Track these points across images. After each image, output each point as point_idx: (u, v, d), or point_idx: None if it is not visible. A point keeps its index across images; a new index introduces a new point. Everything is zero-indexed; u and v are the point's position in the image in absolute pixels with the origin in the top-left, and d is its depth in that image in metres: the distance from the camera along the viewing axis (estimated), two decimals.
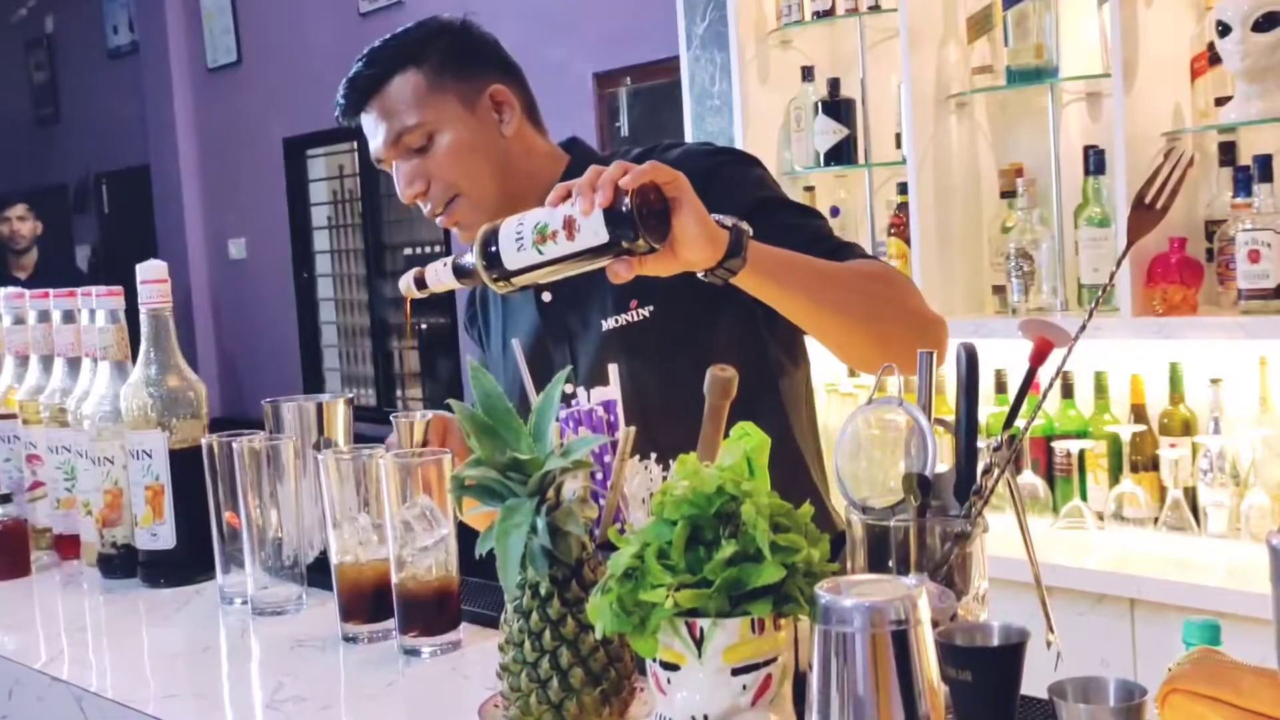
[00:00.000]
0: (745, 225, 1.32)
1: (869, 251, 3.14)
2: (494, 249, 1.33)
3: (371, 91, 1.65)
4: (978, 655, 0.90)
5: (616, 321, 1.61)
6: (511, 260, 1.32)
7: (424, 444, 1.56)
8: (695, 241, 1.26)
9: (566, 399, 1.61)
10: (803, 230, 1.56)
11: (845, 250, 1.56)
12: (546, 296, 1.70)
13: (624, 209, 1.22)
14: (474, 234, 1.66)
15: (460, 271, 1.41)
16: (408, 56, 1.64)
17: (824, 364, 3.15)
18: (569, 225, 1.26)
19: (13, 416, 1.94)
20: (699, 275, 1.31)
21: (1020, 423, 1.05)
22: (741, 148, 3.27)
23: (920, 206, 2.95)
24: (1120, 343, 2.70)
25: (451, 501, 1.29)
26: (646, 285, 1.59)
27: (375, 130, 1.65)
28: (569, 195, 1.27)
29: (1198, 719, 1.16)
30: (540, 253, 1.29)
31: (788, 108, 3.32)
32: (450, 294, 1.87)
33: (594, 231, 1.23)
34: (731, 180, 1.60)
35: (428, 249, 5.79)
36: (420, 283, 1.46)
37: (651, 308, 1.60)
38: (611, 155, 1.74)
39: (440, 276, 1.44)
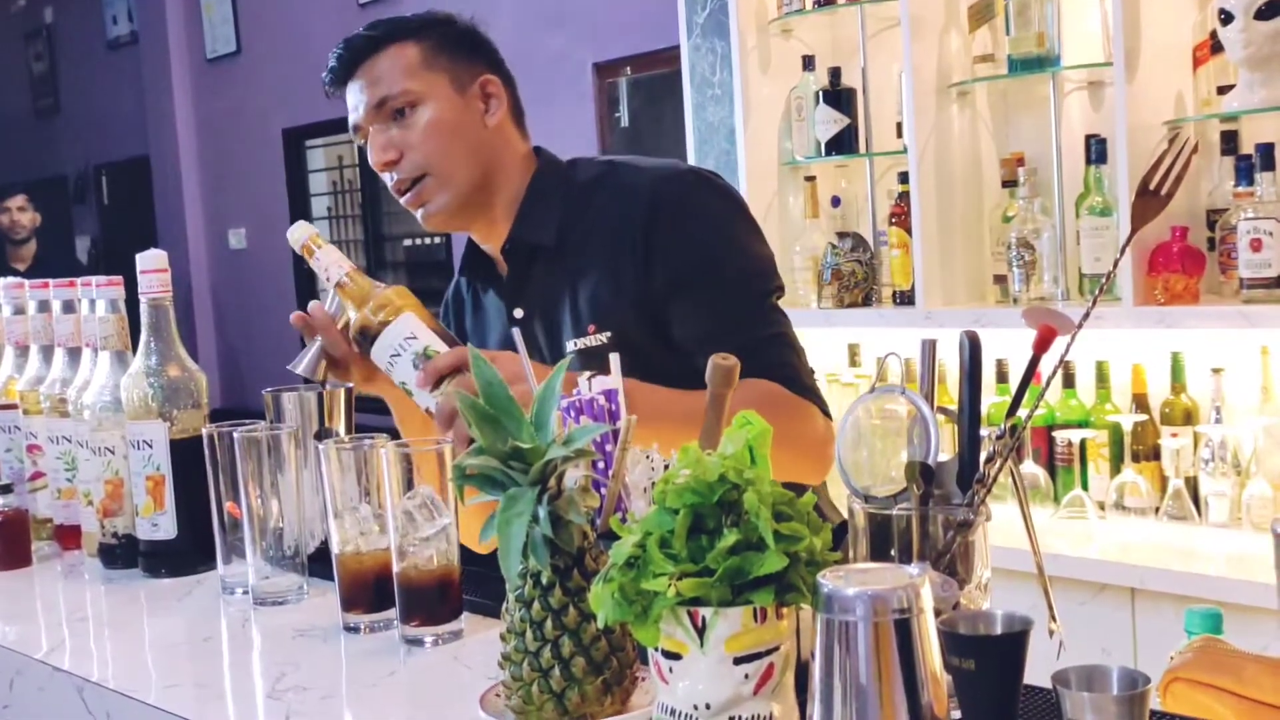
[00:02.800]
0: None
1: (873, 245, 3.16)
2: (366, 344, 1.49)
3: (366, 52, 1.65)
4: (981, 644, 0.89)
5: (576, 344, 1.64)
6: (378, 358, 1.47)
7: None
8: None
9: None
10: (722, 307, 1.59)
11: (756, 352, 1.50)
12: (519, 313, 1.72)
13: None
14: (438, 222, 1.69)
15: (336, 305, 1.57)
16: (408, 30, 1.65)
17: (825, 355, 3.16)
18: (427, 412, 1.42)
19: (13, 407, 1.94)
20: None
21: (1022, 412, 1.04)
22: (744, 139, 3.27)
23: (921, 196, 2.95)
24: (1122, 332, 2.70)
25: (452, 491, 1.29)
26: (603, 311, 1.62)
27: (359, 96, 1.65)
28: (438, 383, 1.41)
29: (1200, 707, 1.16)
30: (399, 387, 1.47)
31: (788, 97, 3.32)
32: (447, 274, 1.93)
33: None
34: (683, 220, 1.60)
35: (427, 240, 5.78)
36: (312, 255, 1.54)
37: (609, 334, 1.62)
38: (573, 164, 1.74)
39: (319, 273, 1.55)
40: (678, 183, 1.65)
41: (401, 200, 1.68)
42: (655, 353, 1.59)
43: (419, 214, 1.69)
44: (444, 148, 1.64)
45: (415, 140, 1.63)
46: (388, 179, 1.67)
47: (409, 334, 1.45)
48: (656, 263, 1.60)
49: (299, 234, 1.55)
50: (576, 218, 1.67)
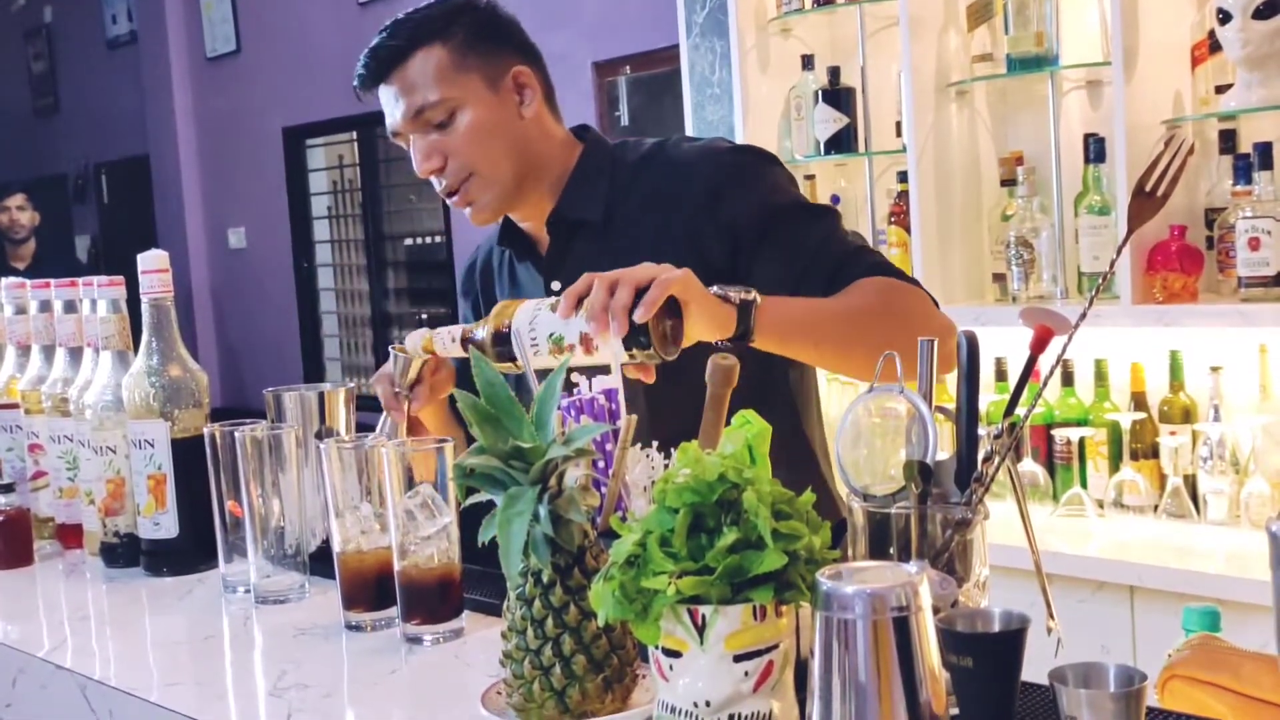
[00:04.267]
0: (753, 297, 1.35)
1: (872, 243, 3.16)
2: (507, 346, 1.39)
3: (394, 63, 1.64)
4: (979, 641, 0.90)
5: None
6: (524, 360, 1.38)
7: (416, 382, 1.58)
8: (706, 333, 1.35)
9: (569, 387, 1.62)
10: (810, 240, 1.59)
11: (852, 261, 1.57)
12: (556, 285, 1.71)
13: (638, 331, 1.27)
14: (484, 218, 1.68)
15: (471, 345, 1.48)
16: (434, 31, 1.64)
17: None
18: (586, 342, 1.32)
19: (15, 406, 1.95)
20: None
21: (1020, 410, 1.05)
22: (743, 138, 3.28)
23: (920, 195, 2.96)
24: (1120, 330, 2.71)
25: (453, 490, 1.29)
26: None
27: (395, 104, 1.65)
28: (579, 304, 1.31)
29: (1197, 704, 1.17)
30: (556, 360, 1.34)
31: (788, 96, 3.32)
32: (448, 273, 1.91)
33: (612, 351, 1.29)
34: (748, 184, 1.62)
35: (428, 239, 5.78)
36: (433, 349, 1.52)
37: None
38: (621, 144, 1.74)
39: (448, 348, 1.49)
40: (727, 155, 1.66)
41: (449, 201, 1.69)
42: None
43: (466, 212, 1.69)
44: (485, 150, 1.64)
45: (456, 145, 1.63)
46: (435, 183, 1.68)
47: (533, 314, 1.46)
48: (721, 236, 1.60)
49: (415, 342, 1.56)
50: (623, 195, 1.68)
